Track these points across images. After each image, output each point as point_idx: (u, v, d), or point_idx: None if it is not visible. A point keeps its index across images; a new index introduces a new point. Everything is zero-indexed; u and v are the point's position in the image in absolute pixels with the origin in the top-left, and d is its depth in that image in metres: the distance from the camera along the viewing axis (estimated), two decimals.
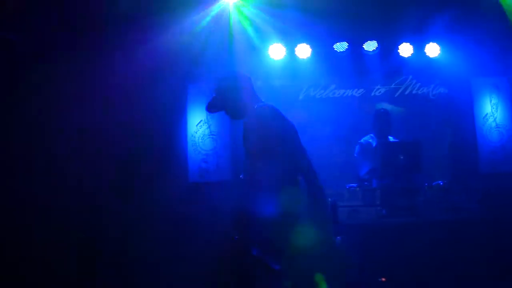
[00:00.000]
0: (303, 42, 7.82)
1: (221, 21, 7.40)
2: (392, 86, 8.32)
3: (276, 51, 7.81)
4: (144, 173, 7.27)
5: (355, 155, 6.92)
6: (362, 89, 8.36)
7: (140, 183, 7.20)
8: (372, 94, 8.34)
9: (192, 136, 7.89)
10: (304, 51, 7.81)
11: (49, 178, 6.75)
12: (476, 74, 8.13)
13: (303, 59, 7.89)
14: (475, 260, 5.70)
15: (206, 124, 7.91)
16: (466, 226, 5.93)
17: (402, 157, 6.09)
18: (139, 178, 7.25)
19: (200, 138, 7.85)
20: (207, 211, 7.20)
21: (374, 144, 6.75)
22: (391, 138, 6.84)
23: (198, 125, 7.91)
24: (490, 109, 8.07)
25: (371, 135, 6.86)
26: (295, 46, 7.84)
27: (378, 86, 8.31)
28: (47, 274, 6.21)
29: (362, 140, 6.90)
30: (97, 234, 6.76)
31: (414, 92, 8.33)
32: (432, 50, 7.86)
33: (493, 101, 8.08)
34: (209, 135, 7.90)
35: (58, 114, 6.87)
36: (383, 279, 5.64)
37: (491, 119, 8.05)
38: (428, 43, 7.85)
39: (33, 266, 6.25)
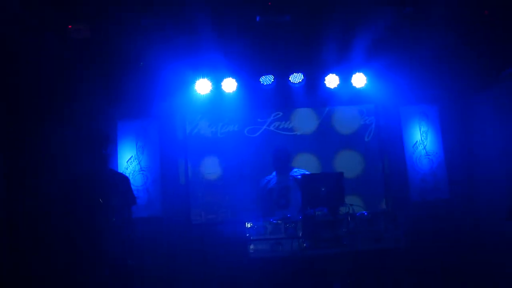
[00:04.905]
0: (229, 77, 7.82)
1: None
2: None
3: (202, 86, 7.79)
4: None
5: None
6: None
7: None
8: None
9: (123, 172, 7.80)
10: (230, 85, 7.81)
11: None
12: (404, 102, 8.19)
13: (229, 93, 7.89)
14: None
15: (136, 160, 7.87)
16: (390, 255, 5.94)
17: (323, 189, 6.08)
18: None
19: (130, 174, 7.77)
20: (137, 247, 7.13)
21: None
22: (297, 171, 6.75)
23: (128, 161, 7.86)
24: (419, 137, 8.14)
25: (274, 173, 6.85)
26: (221, 80, 7.83)
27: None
28: None
29: (267, 178, 6.87)
30: None
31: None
32: (359, 80, 7.88)
33: (422, 129, 8.15)
34: (139, 171, 7.84)
35: None
36: None
37: (420, 147, 8.12)
38: (354, 73, 7.89)
39: None
